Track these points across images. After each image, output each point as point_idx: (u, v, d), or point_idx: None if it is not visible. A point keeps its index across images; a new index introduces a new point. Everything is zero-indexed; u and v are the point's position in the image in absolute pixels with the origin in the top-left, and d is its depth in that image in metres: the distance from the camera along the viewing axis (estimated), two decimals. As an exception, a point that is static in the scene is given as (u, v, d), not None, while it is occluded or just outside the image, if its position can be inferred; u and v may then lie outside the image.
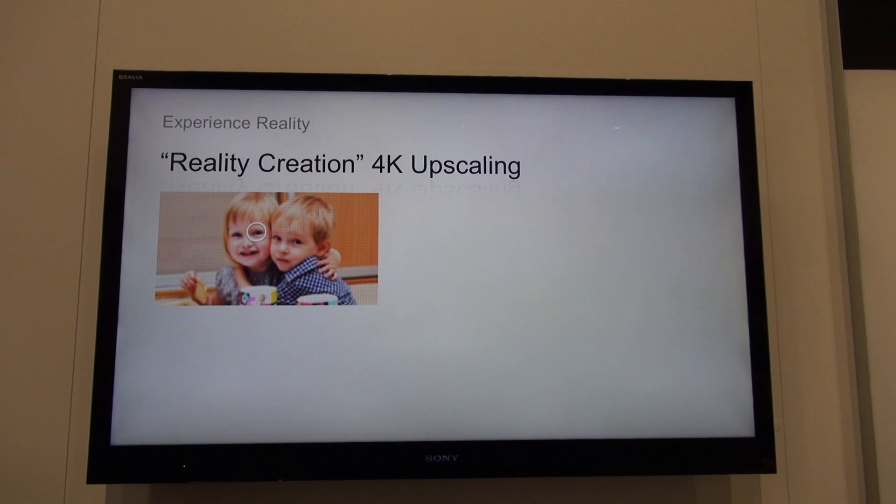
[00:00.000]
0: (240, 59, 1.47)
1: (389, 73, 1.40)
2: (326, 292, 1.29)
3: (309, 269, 1.29)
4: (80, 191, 1.41)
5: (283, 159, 1.32)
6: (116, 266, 1.26)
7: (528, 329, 1.30)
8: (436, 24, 1.52)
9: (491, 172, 1.34)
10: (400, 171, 1.33)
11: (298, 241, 1.30)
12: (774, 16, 1.56)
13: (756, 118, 1.39)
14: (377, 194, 1.32)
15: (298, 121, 1.34)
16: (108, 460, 1.22)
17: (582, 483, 1.39)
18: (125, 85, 1.31)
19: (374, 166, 1.33)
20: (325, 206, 1.31)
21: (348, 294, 1.30)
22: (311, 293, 1.29)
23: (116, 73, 1.32)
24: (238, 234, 1.30)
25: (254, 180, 1.31)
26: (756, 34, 1.55)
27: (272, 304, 1.28)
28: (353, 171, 1.33)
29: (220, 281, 1.28)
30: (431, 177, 1.34)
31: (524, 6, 1.53)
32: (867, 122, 1.49)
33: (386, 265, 1.30)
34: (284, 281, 1.29)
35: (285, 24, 1.50)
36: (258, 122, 1.33)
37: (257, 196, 1.31)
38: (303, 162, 1.32)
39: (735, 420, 1.30)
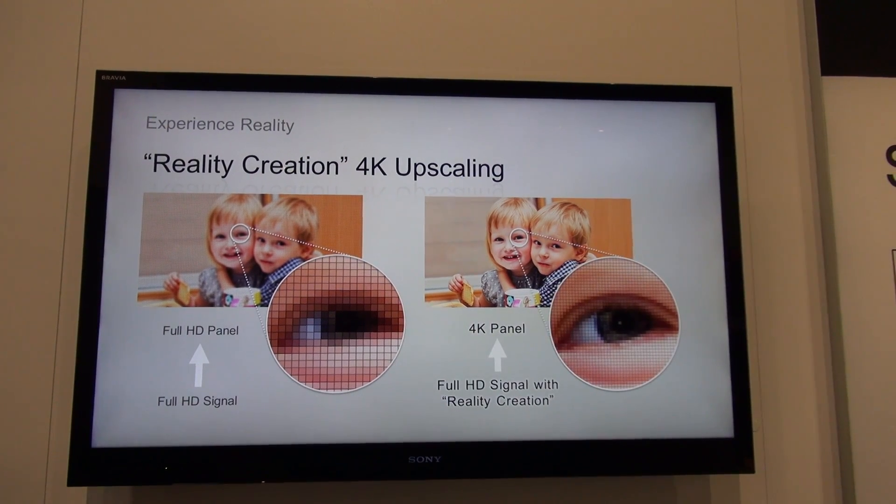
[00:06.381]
0: (224, 61, 1.47)
1: (374, 75, 1.40)
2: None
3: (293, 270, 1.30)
4: (62, 191, 1.40)
5: (267, 161, 1.32)
6: (98, 267, 1.25)
7: (511, 328, 1.31)
8: (421, 27, 1.52)
9: (475, 175, 1.35)
10: (384, 174, 1.34)
11: (282, 243, 1.30)
12: (754, 23, 1.58)
13: (736, 123, 1.41)
14: (361, 196, 1.33)
15: (282, 122, 1.34)
16: (90, 462, 1.21)
17: (563, 483, 1.40)
18: (108, 85, 1.31)
19: (358, 168, 1.34)
20: (310, 207, 1.31)
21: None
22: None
23: (99, 73, 1.31)
24: (222, 236, 1.29)
25: (238, 182, 1.31)
26: (736, 41, 1.58)
27: (255, 305, 1.28)
28: (337, 173, 1.33)
29: (204, 282, 1.28)
30: (415, 179, 1.34)
31: (508, 11, 1.54)
32: (844, 128, 1.51)
33: (370, 267, 1.31)
34: (268, 282, 1.29)
35: (270, 26, 1.49)
36: (242, 124, 1.33)
37: (241, 198, 1.31)
38: (287, 164, 1.32)
39: (714, 421, 1.32)
